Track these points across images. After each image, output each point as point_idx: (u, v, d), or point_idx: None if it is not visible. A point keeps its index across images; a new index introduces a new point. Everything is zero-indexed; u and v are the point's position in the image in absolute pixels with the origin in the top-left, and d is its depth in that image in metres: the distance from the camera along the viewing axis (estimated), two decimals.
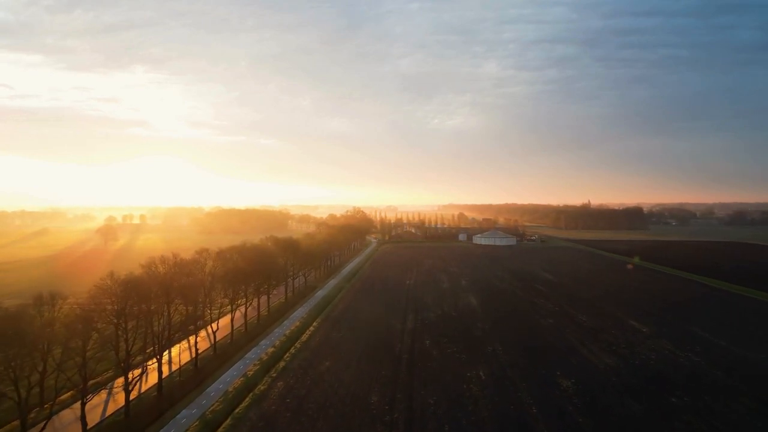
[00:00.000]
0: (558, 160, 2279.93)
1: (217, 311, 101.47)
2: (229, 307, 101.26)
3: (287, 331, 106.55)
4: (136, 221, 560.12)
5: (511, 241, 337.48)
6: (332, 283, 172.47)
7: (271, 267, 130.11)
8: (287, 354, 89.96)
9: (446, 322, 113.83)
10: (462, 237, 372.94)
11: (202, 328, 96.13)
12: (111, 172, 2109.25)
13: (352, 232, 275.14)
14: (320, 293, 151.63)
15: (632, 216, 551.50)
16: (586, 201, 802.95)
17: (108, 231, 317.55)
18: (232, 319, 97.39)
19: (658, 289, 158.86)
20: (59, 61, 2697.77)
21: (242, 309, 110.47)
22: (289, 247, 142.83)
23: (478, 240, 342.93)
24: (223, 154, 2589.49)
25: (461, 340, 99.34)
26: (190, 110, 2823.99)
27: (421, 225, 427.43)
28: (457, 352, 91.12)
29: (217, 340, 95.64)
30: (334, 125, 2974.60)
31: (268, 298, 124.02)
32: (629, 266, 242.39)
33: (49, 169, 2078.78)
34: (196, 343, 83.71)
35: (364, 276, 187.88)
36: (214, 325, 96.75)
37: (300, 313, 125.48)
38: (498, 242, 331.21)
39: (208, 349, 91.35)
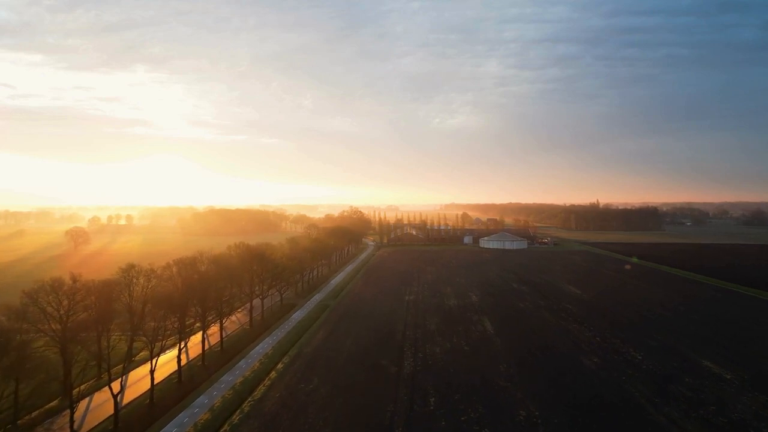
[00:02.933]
0: (559, 159, 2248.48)
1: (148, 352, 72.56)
2: (162, 344, 72.04)
3: (239, 380, 77.31)
4: (123, 222, 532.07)
5: (522, 244, 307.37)
6: (315, 299, 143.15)
7: (228, 286, 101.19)
8: (225, 426, 60.74)
9: (457, 364, 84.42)
10: (467, 239, 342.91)
11: (111, 383, 66.88)
12: (113, 171, 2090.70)
13: (344, 235, 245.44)
14: (297, 315, 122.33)
15: (646, 216, 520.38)
16: (593, 200, 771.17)
17: (79, 234, 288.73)
18: (151, 371, 67.97)
19: (721, 311, 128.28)
20: (61, 61, 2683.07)
21: (192, 341, 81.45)
22: (256, 257, 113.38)
23: (486, 243, 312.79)
24: (225, 153, 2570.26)
25: (480, 395, 70.15)
26: (192, 109, 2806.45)
27: (422, 226, 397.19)
28: (475, 420, 62.01)
29: (130, 400, 66.50)
30: (336, 124, 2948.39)
31: (221, 328, 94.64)
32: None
33: (52, 168, 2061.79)
34: (71, 418, 54.28)
35: (355, 290, 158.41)
36: (136, 374, 67.75)
37: (264, 347, 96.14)
38: (507, 245, 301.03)
39: (106, 420, 62.05)
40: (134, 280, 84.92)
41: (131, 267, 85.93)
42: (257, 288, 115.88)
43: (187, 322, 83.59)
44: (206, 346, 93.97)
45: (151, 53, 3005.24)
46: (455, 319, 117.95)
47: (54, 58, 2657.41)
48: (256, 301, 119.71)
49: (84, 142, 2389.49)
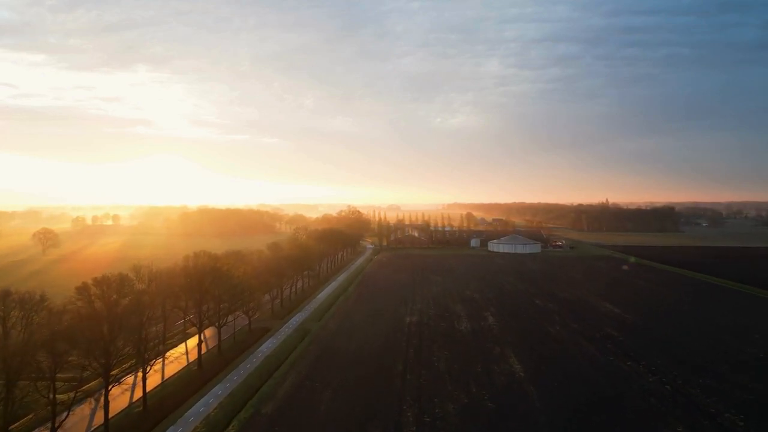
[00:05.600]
0: (559, 159, 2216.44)
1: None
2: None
3: None
4: (110, 222, 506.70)
5: (535, 247, 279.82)
6: (295, 321, 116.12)
7: (169, 313, 74.31)
8: None
9: None
10: (474, 243, 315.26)
11: None
12: (115, 170, 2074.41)
13: (339, 239, 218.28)
14: (267, 347, 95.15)
15: (662, 216, 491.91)
16: (595, 200, 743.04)
17: (47, 237, 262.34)
18: None
19: None
20: (62, 61, 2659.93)
21: (90, 405, 54.60)
22: (209, 273, 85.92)
23: (495, 247, 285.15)
24: (226, 153, 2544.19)
25: None
26: (193, 109, 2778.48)
27: (425, 227, 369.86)
28: None
29: None
30: (336, 124, 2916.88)
31: (144, 377, 67.25)
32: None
33: (53, 168, 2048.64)
34: None
35: (345, 309, 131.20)
36: None
37: (209, 401, 68.95)
38: (519, 249, 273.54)
39: None
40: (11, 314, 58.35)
41: (6, 295, 59.16)
42: (214, 312, 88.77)
43: (84, 376, 56.68)
44: (129, 402, 67.16)
45: (151, 53, 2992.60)
46: (471, 352, 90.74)
47: (55, 57, 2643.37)
48: (226, 322, 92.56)
49: (85, 141, 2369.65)
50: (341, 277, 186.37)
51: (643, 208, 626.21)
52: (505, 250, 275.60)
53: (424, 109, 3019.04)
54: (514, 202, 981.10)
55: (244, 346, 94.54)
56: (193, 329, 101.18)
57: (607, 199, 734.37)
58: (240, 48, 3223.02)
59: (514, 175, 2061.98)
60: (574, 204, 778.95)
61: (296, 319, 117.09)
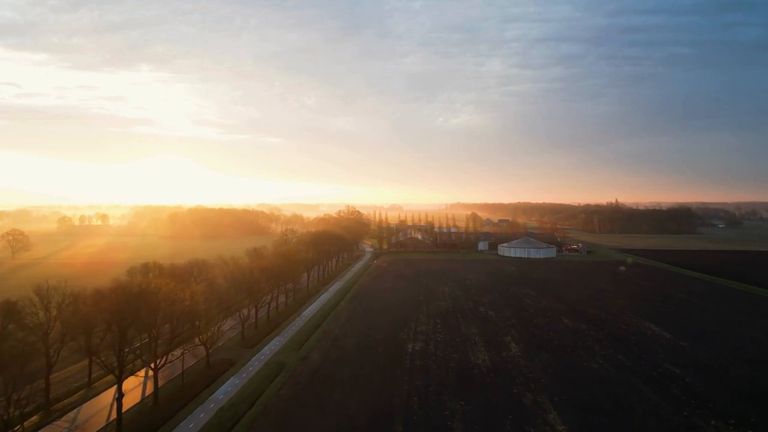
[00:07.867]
0: (559, 160, 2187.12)
1: None
2: None
3: None
4: (99, 222, 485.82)
5: (550, 252, 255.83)
6: (269, 349, 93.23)
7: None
8: None
9: None
10: (482, 246, 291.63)
11: None
12: (118, 170, 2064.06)
13: (334, 243, 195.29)
14: (226, 389, 72.30)
15: (678, 217, 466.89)
16: (597, 199, 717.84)
17: (17, 239, 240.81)
18: None
19: None
20: (65, 60, 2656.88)
21: None
22: (135, 298, 62.91)
23: (506, 251, 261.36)
24: (228, 152, 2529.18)
25: None
26: (196, 108, 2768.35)
27: (429, 229, 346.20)
28: None
29: None
30: (338, 124, 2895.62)
31: None
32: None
33: (55, 167, 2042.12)
34: None
35: (333, 332, 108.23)
36: None
37: None
38: (533, 254, 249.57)
39: None
40: None
41: None
42: (147, 350, 66.03)
43: None
44: None
45: (154, 53, 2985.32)
46: (494, 402, 67.55)
47: (58, 57, 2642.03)
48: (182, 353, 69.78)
49: (88, 141, 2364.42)
50: (334, 288, 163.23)
51: (651, 208, 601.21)
52: (518, 255, 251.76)
53: (426, 108, 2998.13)
54: (519, 202, 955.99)
55: (195, 390, 71.72)
56: (137, 364, 78.22)
57: (616, 200, 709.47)
58: (242, 48, 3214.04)
59: (515, 175, 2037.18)
60: (581, 204, 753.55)
61: (271, 347, 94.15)
